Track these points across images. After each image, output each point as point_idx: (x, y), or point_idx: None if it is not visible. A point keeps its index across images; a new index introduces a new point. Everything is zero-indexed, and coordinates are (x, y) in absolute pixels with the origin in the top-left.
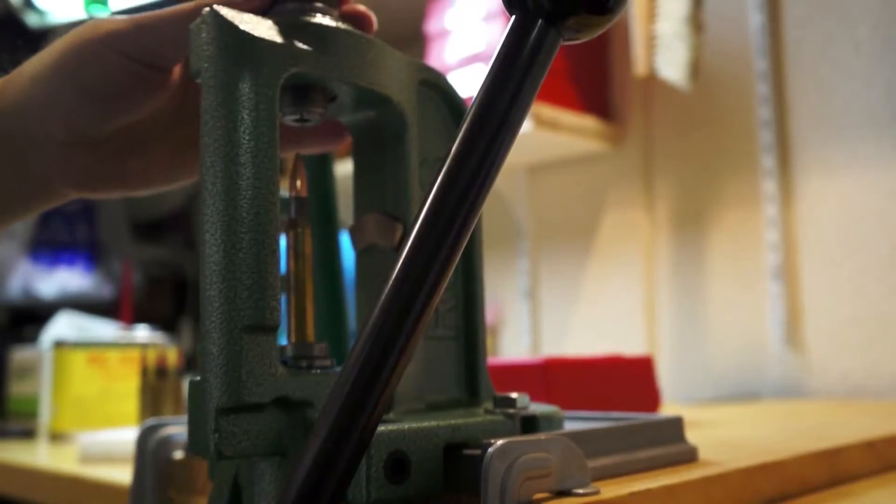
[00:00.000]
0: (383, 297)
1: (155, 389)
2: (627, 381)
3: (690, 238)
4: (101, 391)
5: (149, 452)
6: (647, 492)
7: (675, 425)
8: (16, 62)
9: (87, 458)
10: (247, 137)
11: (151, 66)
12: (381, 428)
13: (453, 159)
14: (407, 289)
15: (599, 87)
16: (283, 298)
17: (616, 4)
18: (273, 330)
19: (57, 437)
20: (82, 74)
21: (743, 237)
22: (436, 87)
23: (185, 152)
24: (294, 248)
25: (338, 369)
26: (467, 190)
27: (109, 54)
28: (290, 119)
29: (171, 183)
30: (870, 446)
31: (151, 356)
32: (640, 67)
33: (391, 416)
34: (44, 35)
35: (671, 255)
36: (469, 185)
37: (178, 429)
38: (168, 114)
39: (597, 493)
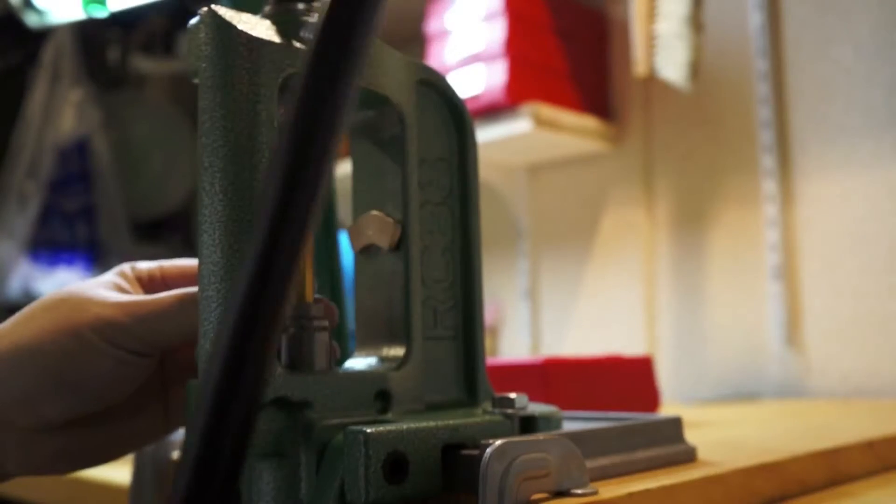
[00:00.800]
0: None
1: None
2: (627, 381)
3: (690, 238)
4: None
5: (148, 452)
6: (646, 492)
7: (674, 425)
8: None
9: None
10: (245, 138)
11: (142, 355)
12: (380, 428)
13: (291, 119)
14: (262, 262)
15: (599, 88)
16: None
17: None
18: None
19: None
20: (63, 365)
21: (743, 237)
22: (434, 86)
23: (155, 416)
24: None
25: (338, 369)
26: (308, 149)
27: (99, 345)
28: None
29: (138, 448)
30: (869, 446)
31: None
32: (640, 67)
33: (390, 416)
34: (42, 34)
35: (671, 255)
36: (315, 125)
37: None
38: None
39: (595, 493)
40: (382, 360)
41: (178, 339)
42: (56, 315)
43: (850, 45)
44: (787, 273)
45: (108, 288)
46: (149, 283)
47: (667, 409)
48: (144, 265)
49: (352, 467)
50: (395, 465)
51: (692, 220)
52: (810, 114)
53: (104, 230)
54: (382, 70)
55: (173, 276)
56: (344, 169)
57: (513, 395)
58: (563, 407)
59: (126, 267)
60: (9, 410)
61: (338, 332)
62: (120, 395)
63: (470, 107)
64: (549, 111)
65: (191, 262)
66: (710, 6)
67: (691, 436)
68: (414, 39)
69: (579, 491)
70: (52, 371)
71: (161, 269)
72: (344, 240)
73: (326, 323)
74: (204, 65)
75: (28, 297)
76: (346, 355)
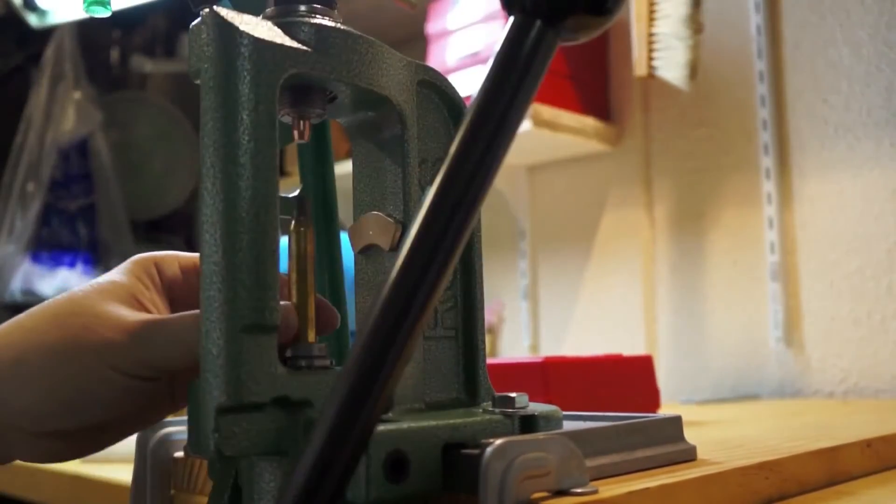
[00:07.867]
0: (382, 298)
1: None
2: (627, 380)
3: (690, 238)
4: None
5: (149, 452)
6: (646, 491)
7: (674, 424)
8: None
9: (88, 457)
10: (246, 138)
11: (152, 379)
12: (381, 428)
13: (452, 161)
14: (405, 291)
15: (599, 88)
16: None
17: (614, 5)
18: (272, 330)
19: None
20: (67, 389)
21: (742, 237)
22: (435, 87)
23: (163, 411)
24: (296, 249)
25: (338, 369)
26: (465, 191)
27: (106, 373)
28: (288, 119)
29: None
30: (868, 446)
31: None
32: (639, 68)
33: (390, 415)
34: (44, 35)
35: (670, 255)
36: (467, 186)
37: (178, 428)
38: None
39: (595, 492)
40: None
41: (189, 363)
42: (64, 335)
43: (848, 46)
44: (786, 273)
45: (124, 300)
46: (170, 288)
47: (666, 409)
48: (168, 264)
49: None
50: (396, 464)
51: (691, 220)
52: (809, 114)
53: (105, 230)
54: (383, 70)
55: (192, 273)
56: (344, 169)
57: (513, 395)
58: (563, 406)
59: (150, 266)
60: (14, 418)
61: (338, 333)
62: (128, 412)
63: None
64: (548, 112)
65: None
66: (709, 7)
67: (691, 435)
68: (414, 40)
69: (579, 490)
70: (58, 394)
71: (181, 265)
72: (344, 240)
73: (328, 362)
74: (206, 65)
75: (28, 297)
76: (347, 357)
